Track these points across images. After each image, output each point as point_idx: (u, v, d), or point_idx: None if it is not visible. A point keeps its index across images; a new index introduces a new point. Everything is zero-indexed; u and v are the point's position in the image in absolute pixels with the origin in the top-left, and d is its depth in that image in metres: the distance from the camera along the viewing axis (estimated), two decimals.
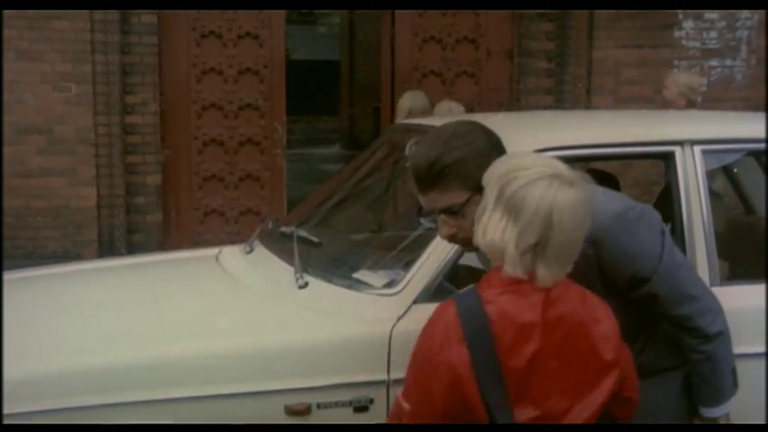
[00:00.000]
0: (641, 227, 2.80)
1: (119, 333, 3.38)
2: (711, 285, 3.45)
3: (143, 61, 8.10)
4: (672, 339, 2.96)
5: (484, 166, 2.49)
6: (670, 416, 3.03)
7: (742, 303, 3.43)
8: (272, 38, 8.64)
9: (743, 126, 4.07)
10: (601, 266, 2.75)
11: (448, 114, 7.04)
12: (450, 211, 2.65)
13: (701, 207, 3.57)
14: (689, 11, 8.84)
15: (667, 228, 2.92)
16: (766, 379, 3.40)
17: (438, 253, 3.41)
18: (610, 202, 2.81)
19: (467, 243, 2.63)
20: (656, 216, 2.89)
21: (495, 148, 2.68)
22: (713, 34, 8.95)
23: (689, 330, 2.88)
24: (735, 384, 3.00)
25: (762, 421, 3.39)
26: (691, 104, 6.65)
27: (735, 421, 3.06)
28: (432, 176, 2.62)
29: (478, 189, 2.50)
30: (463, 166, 2.60)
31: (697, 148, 3.65)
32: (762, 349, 3.40)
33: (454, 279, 3.65)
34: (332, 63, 18.72)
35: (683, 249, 3.54)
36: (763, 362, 3.41)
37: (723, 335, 2.91)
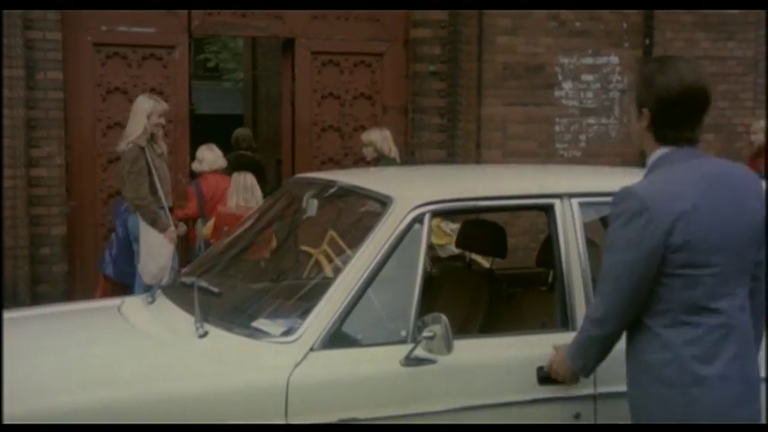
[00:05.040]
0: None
1: (22, 384, 3.38)
2: None
3: (48, 116, 8.08)
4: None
5: (645, 96, 3.14)
6: None
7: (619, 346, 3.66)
8: (176, 93, 8.72)
9: (616, 180, 4.29)
10: None
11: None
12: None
13: (579, 254, 3.83)
14: (568, 73, 9.27)
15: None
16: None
17: (335, 301, 3.56)
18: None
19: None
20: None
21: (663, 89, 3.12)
22: (589, 95, 9.36)
23: None
24: None
25: None
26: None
27: None
28: None
29: (639, 107, 3.17)
30: (639, 86, 3.19)
31: (575, 201, 3.93)
32: None
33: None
34: (236, 117, 18.80)
35: (563, 292, 3.80)
36: None
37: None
